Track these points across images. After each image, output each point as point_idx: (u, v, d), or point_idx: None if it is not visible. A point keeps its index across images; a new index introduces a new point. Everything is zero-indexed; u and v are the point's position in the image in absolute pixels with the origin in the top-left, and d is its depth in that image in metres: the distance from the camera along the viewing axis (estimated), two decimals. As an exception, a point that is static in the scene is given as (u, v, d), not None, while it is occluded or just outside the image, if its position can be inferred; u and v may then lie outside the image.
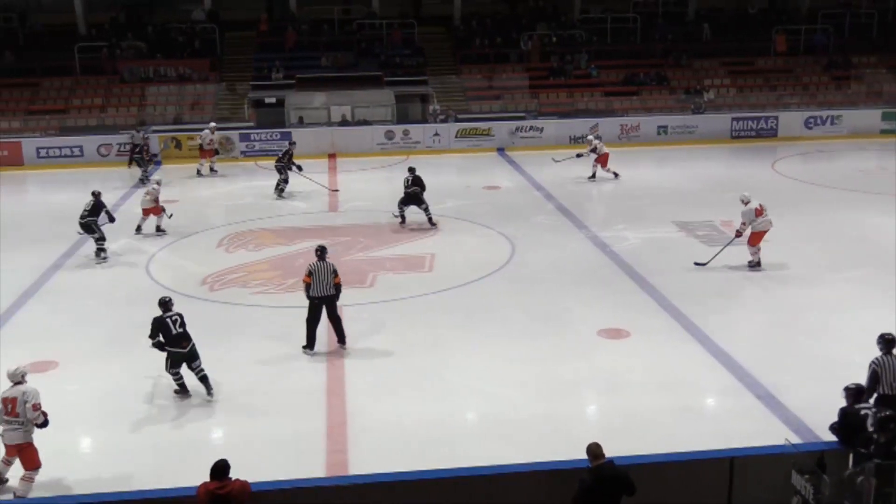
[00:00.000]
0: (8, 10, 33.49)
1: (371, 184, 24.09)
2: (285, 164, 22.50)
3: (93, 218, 16.95)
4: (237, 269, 16.39)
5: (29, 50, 32.14)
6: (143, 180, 24.35)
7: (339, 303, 12.36)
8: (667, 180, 24.03)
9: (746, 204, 15.37)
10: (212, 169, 25.81)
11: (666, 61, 33.18)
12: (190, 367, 10.99)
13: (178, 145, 27.57)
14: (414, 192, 18.91)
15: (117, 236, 17.85)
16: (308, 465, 9.18)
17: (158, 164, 26.50)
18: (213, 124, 26.35)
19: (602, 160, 23.44)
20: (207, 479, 7.27)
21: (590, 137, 24.55)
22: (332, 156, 27.98)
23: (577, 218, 19.59)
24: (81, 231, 17.17)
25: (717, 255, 15.82)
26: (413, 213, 19.16)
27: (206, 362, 11.93)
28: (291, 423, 10.38)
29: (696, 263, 15.82)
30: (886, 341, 8.92)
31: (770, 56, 33.57)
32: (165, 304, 11.07)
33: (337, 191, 22.49)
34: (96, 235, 17.06)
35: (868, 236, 17.31)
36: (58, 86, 31.08)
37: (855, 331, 11.98)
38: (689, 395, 10.91)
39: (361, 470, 8.82)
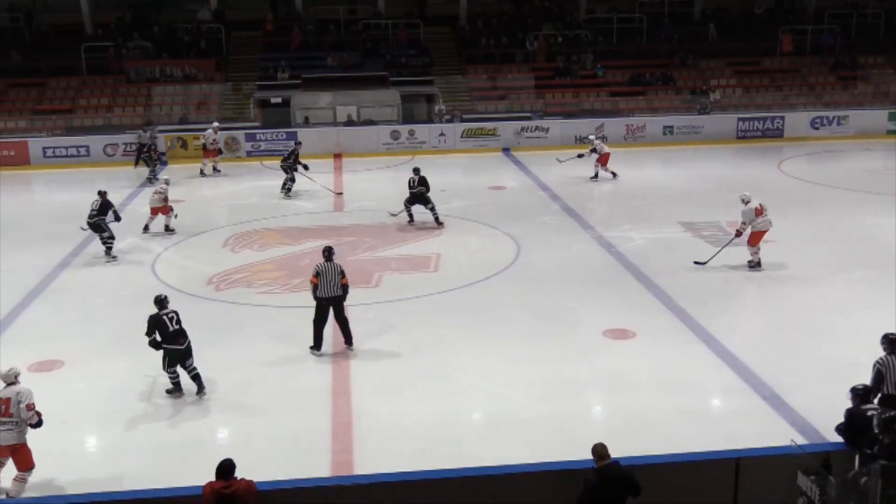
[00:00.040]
0: (14, 10, 33.57)
1: (376, 184, 24.11)
2: (291, 163, 22.54)
3: (101, 217, 17.01)
4: (242, 269, 16.41)
5: (35, 50, 32.23)
6: (151, 180, 24.44)
7: (344, 303, 12.36)
8: (672, 181, 24.02)
9: (746, 203, 15.37)
10: (215, 169, 25.85)
11: (672, 61, 33.15)
12: (183, 365, 11.00)
13: (184, 145, 27.63)
14: (419, 192, 18.98)
15: (124, 235, 17.88)
16: (313, 465, 9.18)
17: (164, 164, 26.54)
18: (216, 124, 26.43)
19: (603, 160, 23.48)
20: (213, 478, 7.29)
21: (591, 137, 24.57)
22: (337, 156, 28.01)
23: (582, 218, 19.58)
24: (85, 227, 17.25)
25: (716, 254, 15.83)
26: (419, 212, 19.18)
27: (212, 362, 11.99)
28: (297, 422, 10.38)
29: (696, 262, 15.84)
30: (891, 341, 8.90)
31: (776, 56, 33.52)
32: (161, 301, 11.08)
33: (340, 193, 22.43)
34: (105, 234, 17.12)
35: (874, 237, 17.26)
36: (64, 86, 31.16)
37: (861, 331, 11.92)
38: (694, 395, 10.89)
39: (367, 470, 8.83)
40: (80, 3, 32.47)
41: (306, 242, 17.94)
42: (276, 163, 23.86)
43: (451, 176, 24.73)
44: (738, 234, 15.43)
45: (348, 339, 12.32)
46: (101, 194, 17.35)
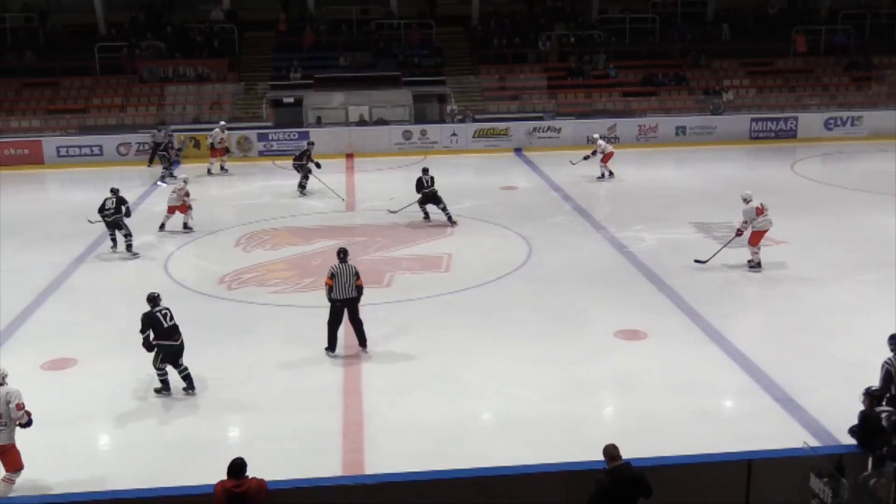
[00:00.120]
0: (29, 10, 33.75)
1: (388, 184, 24.11)
2: (304, 163, 22.57)
3: (119, 214, 17.16)
4: (254, 269, 16.45)
5: (49, 50, 32.39)
6: (165, 178, 24.55)
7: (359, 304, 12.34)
8: (685, 181, 23.96)
9: (748, 202, 15.34)
10: (222, 168, 25.94)
11: (685, 61, 33.05)
12: (175, 364, 11.02)
13: (197, 145, 27.68)
14: (432, 192, 19.07)
15: (137, 234, 17.92)
16: (324, 464, 9.19)
17: (177, 163, 26.63)
18: (222, 123, 26.50)
19: (604, 158, 23.61)
20: (224, 477, 7.30)
21: (594, 136, 24.54)
22: (349, 156, 28.04)
23: (594, 219, 19.54)
24: (92, 221, 17.46)
25: (717, 252, 15.80)
26: (431, 213, 19.24)
27: (223, 360, 12.08)
28: (308, 422, 10.40)
29: (696, 261, 15.83)
30: None
31: (790, 56, 33.37)
32: (154, 298, 11.08)
33: (344, 200, 22.13)
34: (124, 231, 17.27)
35: (888, 238, 17.13)
36: (78, 85, 31.30)
37: (874, 333, 11.80)
38: (706, 396, 10.86)
39: (377, 469, 8.84)
40: (94, 3, 32.65)
41: (318, 242, 17.98)
42: (288, 162, 23.92)
43: (463, 176, 24.74)
44: (739, 233, 15.41)
45: (362, 341, 12.28)
46: (115, 192, 17.47)
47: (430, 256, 17.04)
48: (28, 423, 8.75)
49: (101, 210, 17.24)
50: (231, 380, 11.51)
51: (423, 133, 28.86)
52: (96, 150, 27.71)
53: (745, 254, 15.63)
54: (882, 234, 17.55)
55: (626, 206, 20.82)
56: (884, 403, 8.33)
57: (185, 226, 19.07)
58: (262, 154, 28.20)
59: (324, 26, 33.49)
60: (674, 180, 24.20)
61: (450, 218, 19.13)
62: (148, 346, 10.95)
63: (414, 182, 19.55)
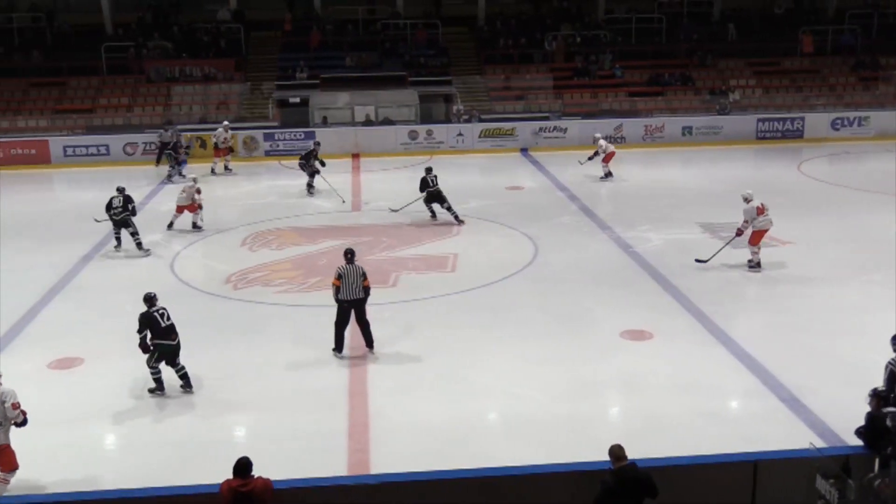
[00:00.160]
0: (36, 10, 33.84)
1: (394, 184, 24.09)
2: (310, 162, 22.58)
3: (126, 213, 17.22)
4: (260, 268, 16.47)
5: (56, 49, 32.47)
6: (171, 177, 24.60)
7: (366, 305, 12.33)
8: (691, 181, 23.92)
9: (748, 202, 15.32)
10: (226, 168, 25.98)
11: (691, 61, 33.00)
12: (172, 363, 11.04)
13: (203, 145, 27.70)
14: (437, 191, 19.17)
15: (143, 233, 17.93)
16: (330, 464, 9.20)
17: (184, 163, 26.64)
18: (226, 123, 26.55)
19: (606, 158, 23.65)
20: (230, 476, 7.32)
21: (596, 135, 24.55)
22: (355, 156, 28.05)
23: (600, 219, 19.52)
24: (98, 220, 17.52)
25: (718, 252, 15.79)
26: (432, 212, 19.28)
27: (229, 360, 12.10)
28: (313, 422, 10.41)
29: (697, 260, 15.83)
30: None
31: (796, 56, 33.29)
32: (150, 298, 11.10)
33: (344, 202, 22.00)
34: (132, 230, 17.35)
35: (894, 238, 17.09)
36: (85, 85, 31.38)
37: (880, 333, 11.74)
38: (712, 397, 10.84)
39: (383, 469, 8.86)
40: (101, 3, 32.71)
41: (324, 242, 17.99)
42: (294, 162, 23.94)
43: (469, 176, 24.75)
44: (740, 232, 15.39)
45: (369, 342, 12.25)
46: (121, 191, 17.54)
47: (435, 256, 17.04)
48: (23, 423, 8.73)
49: (109, 209, 17.31)
50: (237, 379, 11.53)
51: (429, 133, 28.87)
52: (103, 150, 27.76)
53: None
54: (888, 234, 17.47)
55: (632, 206, 20.80)
56: (891, 404, 8.33)
57: (195, 225, 19.12)
58: (268, 154, 28.24)
59: (330, 26, 33.51)
60: (680, 180, 24.16)
61: (456, 216, 19.18)
62: (144, 346, 10.96)
63: (418, 182, 19.59)
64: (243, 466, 7.33)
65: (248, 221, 20.10)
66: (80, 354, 12.37)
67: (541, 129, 29.00)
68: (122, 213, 17.23)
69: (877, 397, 8.18)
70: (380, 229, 19.06)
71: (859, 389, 8.59)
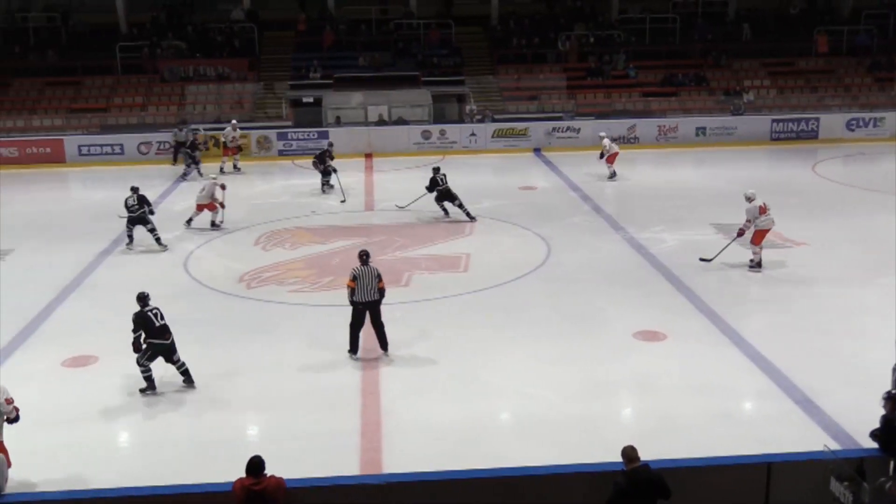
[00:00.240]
0: (51, 10, 34.04)
1: (407, 183, 24.06)
2: (324, 161, 22.65)
3: (143, 210, 17.38)
4: (273, 268, 16.51)
5: (71, 49, 32.66)
6: (186, 175, 24.69)
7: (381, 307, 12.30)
8: (705, 182, 23.84)
9: (751, 201, 15.28)
10: (235, 167, 26.05)
11: (705, 62, 32.89)
12: (171, 360, 11.07)
13: (217, 144, 27.80)
14: (446, 189, 19.30)
15: (160, 232, 18.00)
16: (342, 463, 9.22)
17: (198, 161, 26.73)
18: (234, 121, 26.64)
19: (610, 158, 23.64)
20: (243, 475, 7.34)
21: (601, 135, 24.50)
22: (368, 155, 28.09)
23: (613, 219, 19.48)
24: (123, 216, 17.58)
25: (721, 251, 15.77)
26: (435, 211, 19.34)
27: (242, 359, 12.12)
28: (326, 421, 10.42)
29: (701, 259, 15.81)
30: None
31: (811, 57, 33.14)
32: (144, 298, 11.12)
33: (343, 201, 21.82)
34: (150, 226, 17.48)
35: (910, 240, 17.02)
36: (99, 84, 31.54)
37: (894, 335, 11.77)
38: (725, 398, 10.79)
39: (395, 469, 8.86)
40: (116, 2, 32.86)
41: (337, 241, 18.03)
42: (307, 161, 23.99)
43: (482, 176, 24.75)
44: (741, 232, 15.35)
45: (384, 344, 12.20)
46: (135, 190, 17.66)
47: (448, 256, 17.04)
48: (16, 419, 8.71)
49: (126, 207, 17.44)
50: (249, 378, 11.55)
51: (442, 133, 28.87)
52: (117, 149, 27.90)
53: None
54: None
55: (645, 206, 20.74)
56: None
57: (213, 223, 19.19)
58: (281, 153, 28.31)
59: (343, 26, 33.57)
60: (694, 181, 24.08)
61: (468, 213, 19.24)
62: (137, 345, 10.98)
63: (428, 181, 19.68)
64: (256, 465, 7.34)
65: (261, 221, 20.15)
66: (95, 352, 12.41)
67: (554, 129, 28.96)
68: (138, 211, 17.38)
69: (892, 400, 8.13)
70: (393, 229, 19.08)
71: (874, 392, 8.53)
